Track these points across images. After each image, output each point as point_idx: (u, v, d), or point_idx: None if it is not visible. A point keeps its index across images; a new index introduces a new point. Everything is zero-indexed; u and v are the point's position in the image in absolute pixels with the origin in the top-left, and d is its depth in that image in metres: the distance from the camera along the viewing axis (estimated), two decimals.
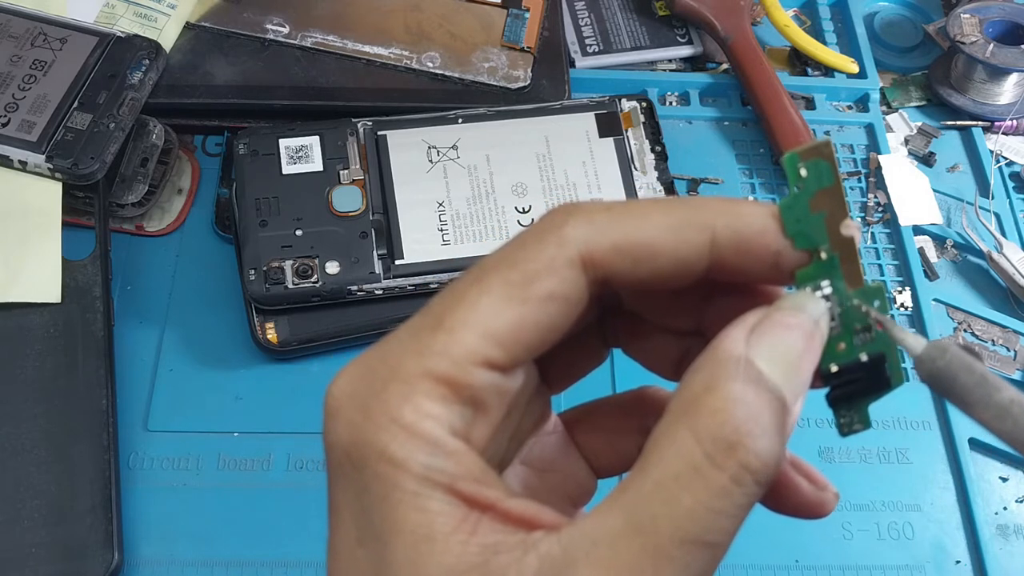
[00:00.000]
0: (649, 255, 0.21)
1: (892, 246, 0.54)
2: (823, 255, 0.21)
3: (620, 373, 0.46)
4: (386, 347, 0.21)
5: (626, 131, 0.52)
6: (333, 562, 0.20)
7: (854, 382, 0.22)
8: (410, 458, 0.19)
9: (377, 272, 0.47)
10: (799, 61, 0.61)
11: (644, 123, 0.53)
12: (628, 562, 0.18)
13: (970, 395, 0.20)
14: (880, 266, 0.53)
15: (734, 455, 0.19)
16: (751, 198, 0.55)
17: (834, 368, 0.22)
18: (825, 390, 0.22)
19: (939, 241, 0.54)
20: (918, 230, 0.54)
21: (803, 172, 0.21)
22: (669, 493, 0.18)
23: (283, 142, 0.50)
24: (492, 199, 0.49)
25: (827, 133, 0.58)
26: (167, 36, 0.53)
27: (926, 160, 0.58)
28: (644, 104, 0.53)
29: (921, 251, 0.53)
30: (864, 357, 0.22)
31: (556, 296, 0.20)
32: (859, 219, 0.55)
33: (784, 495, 0.23)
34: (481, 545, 0.19)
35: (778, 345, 0.20)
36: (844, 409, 0.22)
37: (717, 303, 0.23)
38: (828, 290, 0.21)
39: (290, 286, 0.46)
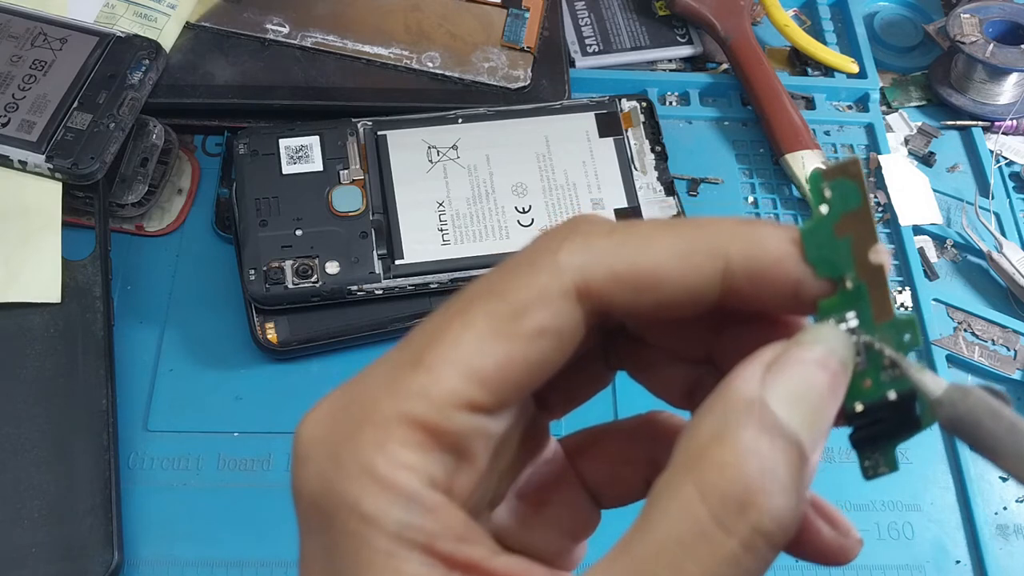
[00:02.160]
0: (653, 284, 0.19)
1: (892, 246, 0.54)
2: (849, 284, 0.19)
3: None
4: (359, 386, 0.19)
5: (626, 131, 0.52)
6: None
7: (881, 422, 0.20)
8: (383, 514, 0.17)
9: (377, 272, 0.47)
10: (799, 61, 0.61)
11: (644, 123, 0.53)
12: None
13: (998, 444, 0.18)
14: None
15: (745, 517, 0.17)
16: (752, 201, 0.55)
17: (859, 407, 0.20)
18: (847, 429, 0.21)
19: (939, 241, 0.54)
20: (918, 230, 0.54)
21: (827, 193, 0.20)
22: (671, 559, 0.17)
23: (283, 142, 0.50)
24: (492, 199, 0.49)
25: (827, 133, 0.58)
26: (167, 36, 0.53)
27: (926, 160, 0.58)
28: (644, 104, 0.53)
29: (921, 251, 0.53)
30: (892, 395, 0.20)
31: (548, 331, 0.19)
32: None
33: (803, 541, 0.21)
34: None
35: (798, 385, 0.18)
36: (868, 450, 0.21)
37: (731, 332, 0.21)
38: (854, 322, 0.20)
39: (290, 286, 0.46)
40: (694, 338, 0.22)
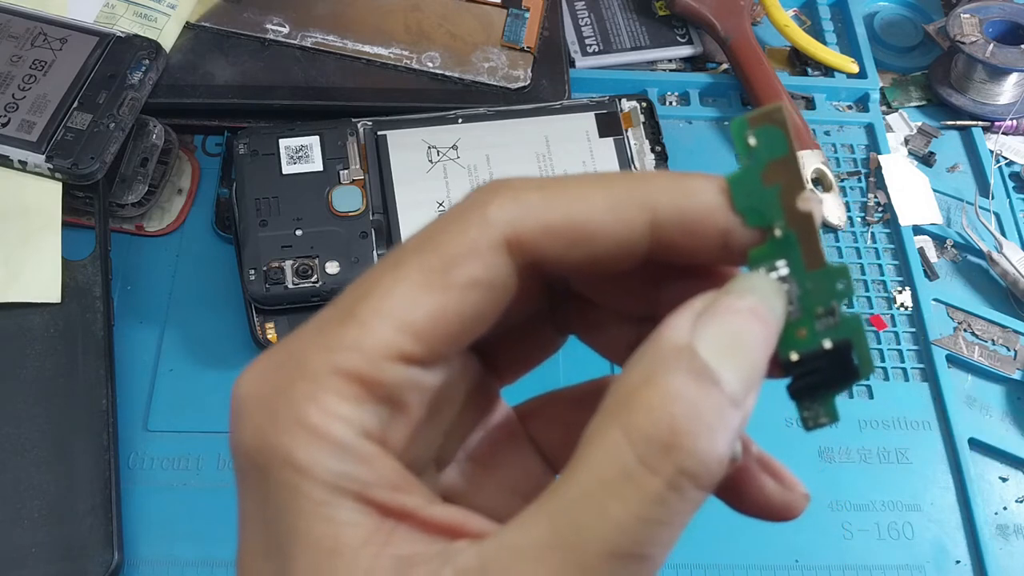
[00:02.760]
0: (584, 237, 0.19)
1: (892, 246, 0.54)
2: (778, 232, 0.19)
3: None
4: (294, 342, 0.19)
5: (626, 131, 0.52)
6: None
7: (817, 372, 0.20)
8: (316, 464, 0.18)
9: None
10: (799, 61, 0.61)
11: (644, 123, 0.53)
12: None
13: None
14: (880, 266, 0.53)
15: (670, 457, 0.17)
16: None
17: (794, 356, 0.20)
18: (786, 381, 0.20)
19: (939, 241, 0.54)
20: (918, 230, 0.54)
21: (752, 141, 0.20)
22: (597, 501, 0.17)
23: (283, 142, 0.50)
24: None
25: (827, 133, 0.58)
26: (167, 36, 0.53)
27: (926, 160, 0.58)
28: (644, 104, 0.53)
29: (921, 251, 0.53)
30: (828, 344, 0.20)
31: (480, 283, 0.19)
32: (858, 218, 0.55)
33: (745, 493, 0.21)
34: (395, 557, 0.17)
35: (727, 333, 0.18)
36: (808, 401, 0.20)
37: (670, 286, 0.21)
38: (785, 271, 0.20)
39: (290, 286, 0.46)
40: (637, 295, 0.22)
